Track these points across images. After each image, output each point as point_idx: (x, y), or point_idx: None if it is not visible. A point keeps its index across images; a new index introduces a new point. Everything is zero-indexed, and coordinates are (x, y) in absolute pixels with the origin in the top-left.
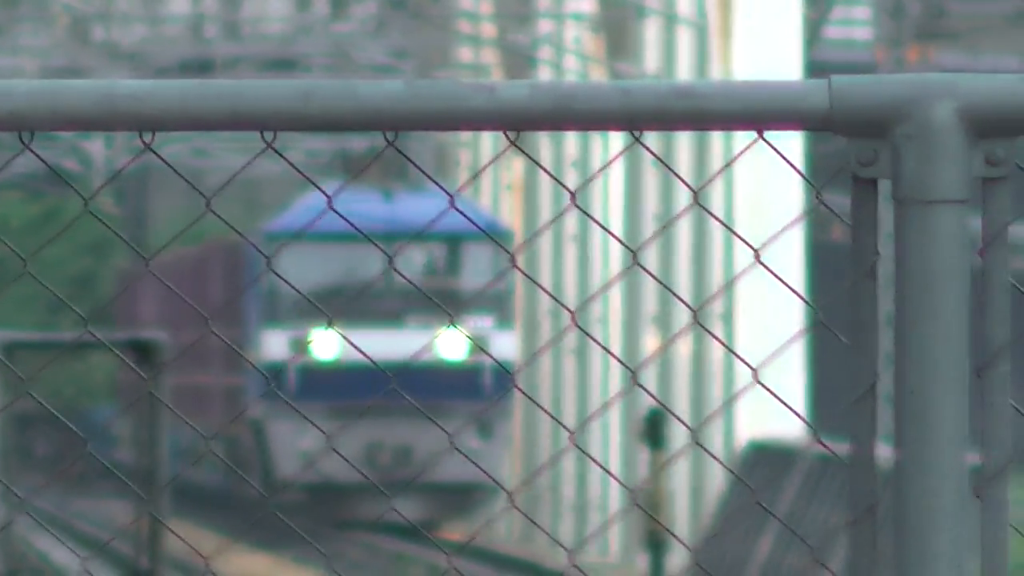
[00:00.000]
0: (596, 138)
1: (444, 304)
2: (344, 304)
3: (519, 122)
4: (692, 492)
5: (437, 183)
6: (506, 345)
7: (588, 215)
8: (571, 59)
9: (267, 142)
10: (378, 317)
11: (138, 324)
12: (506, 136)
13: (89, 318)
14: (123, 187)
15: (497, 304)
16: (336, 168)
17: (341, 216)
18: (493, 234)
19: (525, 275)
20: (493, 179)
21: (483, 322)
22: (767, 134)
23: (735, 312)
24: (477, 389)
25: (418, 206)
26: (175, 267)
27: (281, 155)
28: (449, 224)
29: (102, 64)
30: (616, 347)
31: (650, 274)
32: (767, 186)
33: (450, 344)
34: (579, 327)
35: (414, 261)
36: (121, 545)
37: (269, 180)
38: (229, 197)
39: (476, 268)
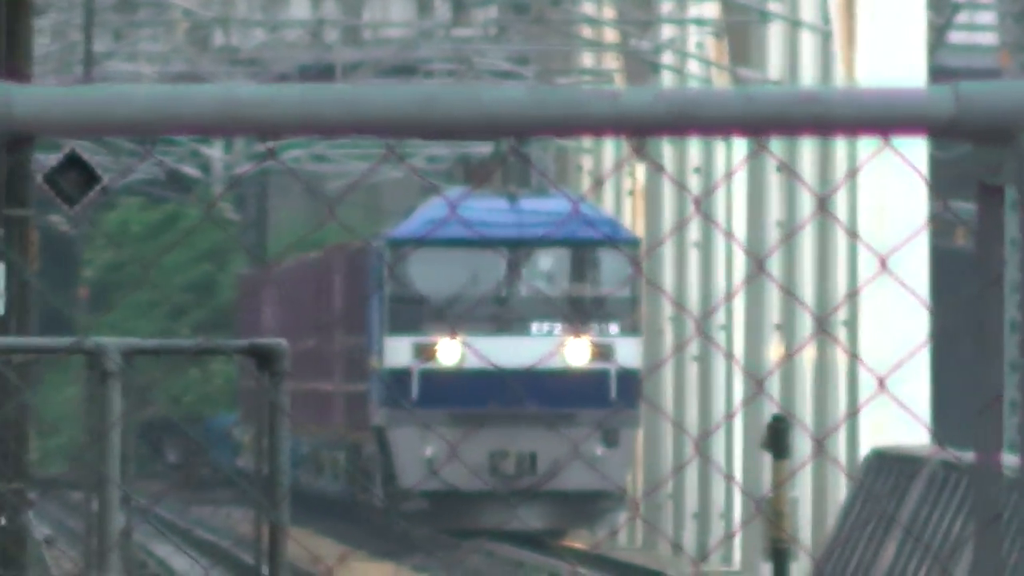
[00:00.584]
0: (719, 144)
1: (569, 311)
2: (468, 310)
3: (642, 128)
4: (815, 500)
5: (562, 191)
6: (631, 352)
7: (713, 222)
8: (694, 65)
9: (390, 147)
10: (502, 324)
11: (259, 331)
12: (628, 142)
13: (208, 325)
14: (243, 192)
15: (622, 311)
16: (458, 174)
17: (463, 223)
18: (620, 241)
19: (651, 284)
20: (615, 185)
21: (608, 329)
22: (892, 140)
23: (859, 319)
24: (602, 396)
25: (543, 212)
26: (297, 273)
27: (404, 161)
28: (575, 230)
29: (221, 70)
30: (739, 355)
31: (774, 281)
32: (891, 192)
33: (575, 351)
34: (703, 335)
35: (539, 267)
36: (241, 553)
37: (389, 186)
38: (349, 203)
39: (602, 274)
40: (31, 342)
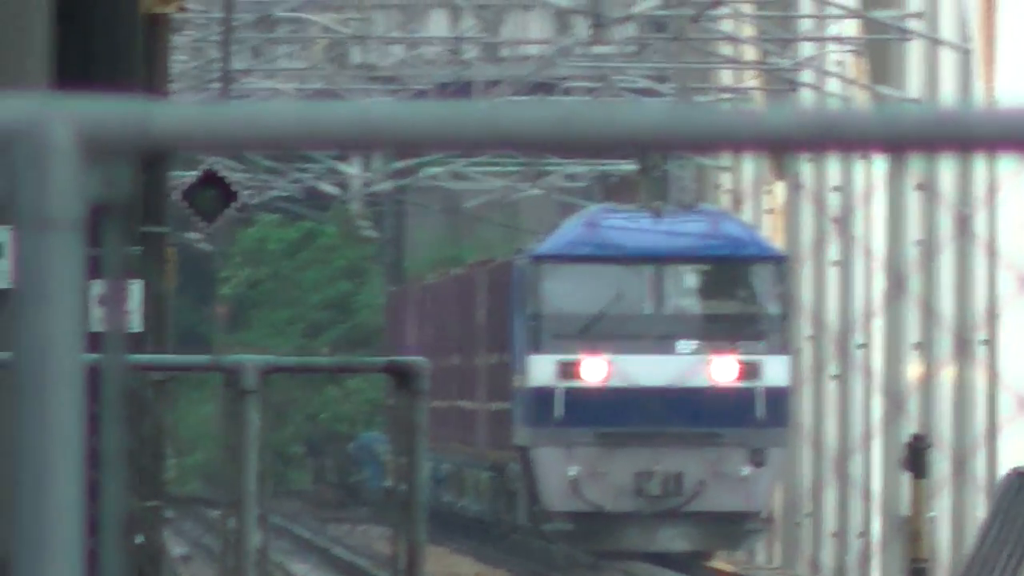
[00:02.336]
0: (858, 163)
1: (716, 328)
2: (613, 328)
3: (782, 146)
4: (954, 520)
5: (708, 206)
6: (779, 371)
7: (852, 239)
8: (833, 83)
9: (529, 165)
10: (647, 341)
11: (402, 349)
12: (767, 160)
13: (345, 342)
14: (380, 210)
15: (770, 328)
16: (596, 192)
17: (608, 239)
18: (770, 259)
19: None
20: (755, 203)
21: (756, 347)
22: None
23: (999, 338)
24: (749, 415)
25: (687, 228)
26: (440, 291)
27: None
28: (721, 246)
29: (359, 87)
30: (878, 373)
31: (913, 299)
32: None
33: (722, 369)
34: (843, 354)
35: (685, 284)
36: (378, 571)
37: (527, 204)
38: (487, 220)
39: (749, 292)
40: (168, 359)
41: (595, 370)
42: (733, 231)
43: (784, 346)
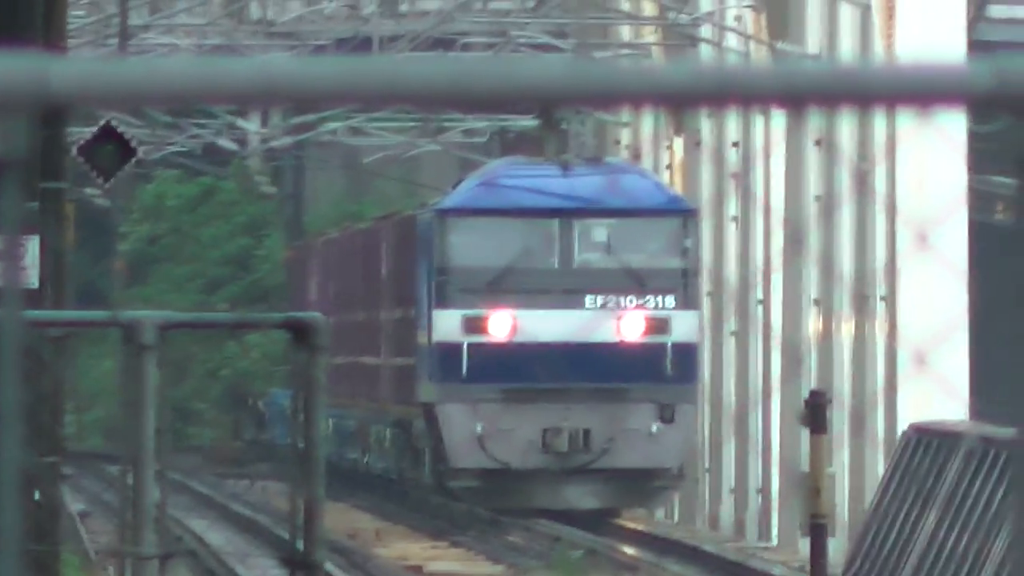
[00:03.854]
0: (758, 119)
1: (624, 282)
2: (520, 283)
3: (681, 102)
4: (853, 475)
5: (615, 159)
6: (687, 326)
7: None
8: (732, 38)
9: (426, 120)
10: (555, 296)
11: (304, 304)
12: (666, 115)
13: (245, 299)
14: (279, 166)
15: (679, 283)
16: (495, 148)
17: (514, 191)
18: (678, 212)
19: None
20: (653, 159)
21: (664, 301)
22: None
23: (898, 294)
24: (658, 371)
25: (594, 181)
26: (343, 245)
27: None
28: (629, 200)
29: (258, 43)
30: (777, 330)
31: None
32: (930, 166)
33: (630, 324)
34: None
35: (592, 238)
36: (278, 528)
37: (426, 159)
38: (386, 176)
39: (657, 245)
40: (66, 315)
41: (501, 325)
42: (640, 184)
43: (692, 301)
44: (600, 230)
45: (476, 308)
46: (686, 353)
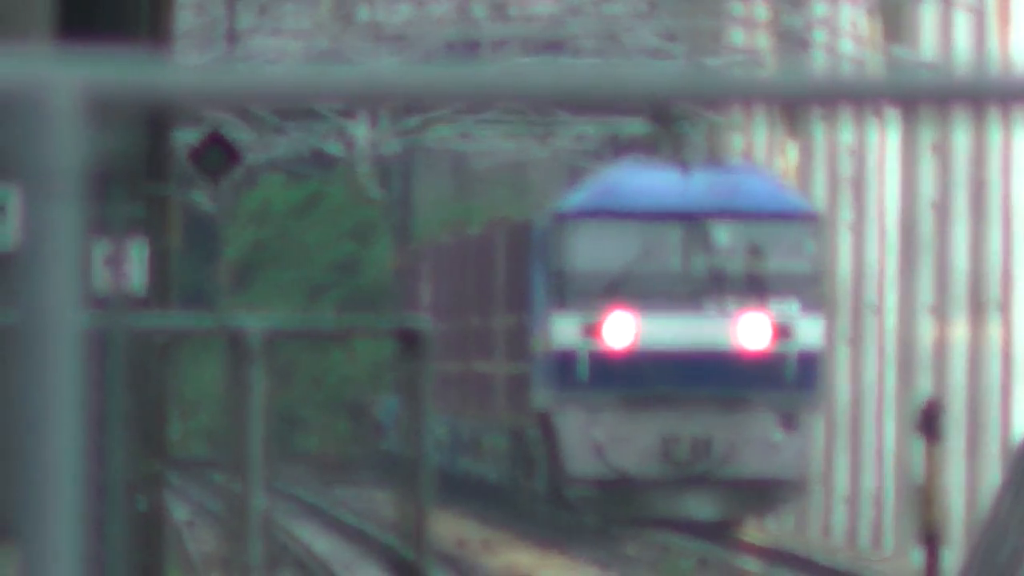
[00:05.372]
0: (874, 126)
1: (747, 287)
2: (640, 287)
3: (795, 106)
4: (968, 484)
5: (740, 162)
6: (813, 332)
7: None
8: (847, 42)
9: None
10: (676, 301)
11: (415, 310)
12: (781, 120)
13: (350, 304)
14: (387, 170)
15: (804, 288)
16: (605, 154)
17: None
18: (803, 216)
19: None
20: (767, 165)
21: (789, 307)
22: None
23: (1013, 300)
24: (781, 379)
25: (717, 183)
26: (456, 251)
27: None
28: (753, 203)
29: (366, 46)
30: (891, 336)
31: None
32: None
33: (753, 330)
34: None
35: (715, 241)
36: (385, 536)
37: (536, 165)
38: (495, 180)
39: (782, 249)
40: (172, 322)
41: (620, 330)
42: (763, 187)
43: (818, 306)
44: (723, 233)
45: (594, 313)
46: (810, 360)
